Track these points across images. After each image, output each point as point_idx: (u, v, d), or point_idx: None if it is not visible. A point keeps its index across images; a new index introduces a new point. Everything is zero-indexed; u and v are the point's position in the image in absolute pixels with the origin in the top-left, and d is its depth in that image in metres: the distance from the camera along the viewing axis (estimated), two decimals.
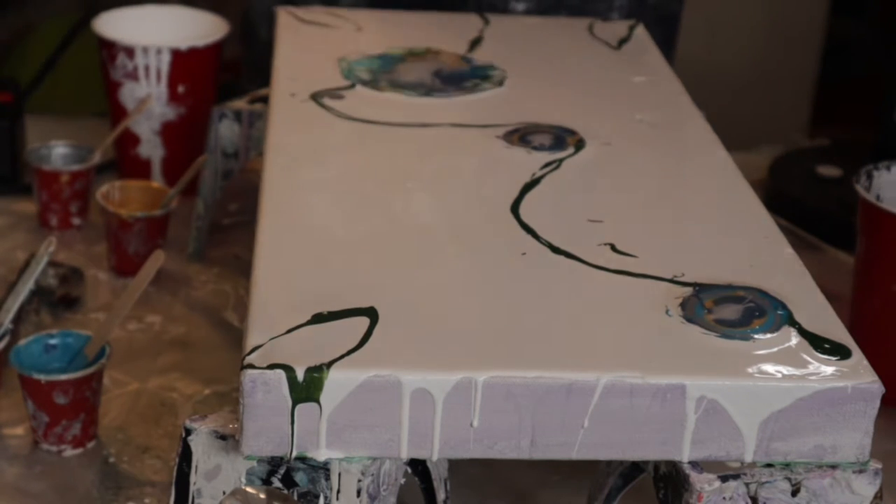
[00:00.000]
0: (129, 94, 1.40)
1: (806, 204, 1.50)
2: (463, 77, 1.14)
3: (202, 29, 1.45)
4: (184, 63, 1.39)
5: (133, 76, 1.39)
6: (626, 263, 0.85)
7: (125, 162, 1.44)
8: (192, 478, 0.77)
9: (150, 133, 1.42)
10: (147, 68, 1.38)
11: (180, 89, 1.40)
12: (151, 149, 1.42)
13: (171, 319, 1.23)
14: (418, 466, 0.89)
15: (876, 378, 0.75)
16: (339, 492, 0.74)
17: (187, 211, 1.35)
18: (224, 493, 0.77)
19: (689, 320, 0.79)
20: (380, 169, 0.96)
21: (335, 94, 1.08)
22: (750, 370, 0.75)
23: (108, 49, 1.40)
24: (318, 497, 0.75)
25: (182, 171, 1.34)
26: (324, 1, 1.50)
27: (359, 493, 0.74)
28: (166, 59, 1.38)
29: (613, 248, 0.87)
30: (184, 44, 1.39)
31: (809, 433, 0.75)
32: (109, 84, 1.41)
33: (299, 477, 0.75)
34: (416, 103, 1.08)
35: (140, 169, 1.43)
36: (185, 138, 1.42)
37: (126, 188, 1.32)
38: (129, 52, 1.38)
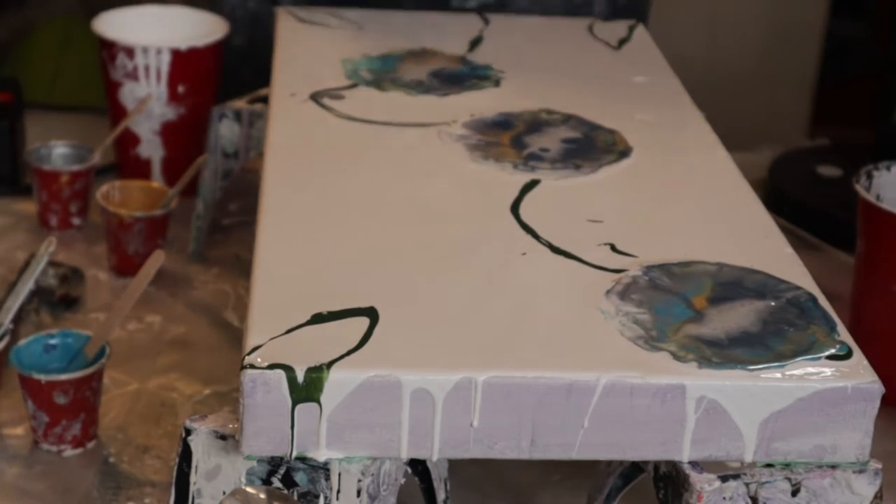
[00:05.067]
0: (129, 94, 1.40)
1: (806, 204, 1.50)
2: (462, 77, 1.14)
3: (202, 29, 1.45)
4: (184, 63, 1.39)
5: (133, 76, 1.39)
6: (625, 263, 0.85)
7: (125, 162, 1.44)
8: (192, 478, 0.77)
9: (150, 133, 1.42)
10: (147, 68, 1.38)
11: (180, 89, 1.40)
12: (151, 149, 1.42)
13: (171, 319, 1.23)
14: (418, 466, 0.89)
15: (876, 378, 0.75)
16: (339, 492, 0.74)
17: (187, 211, 1.35)
18: (224, 493, 0.77)
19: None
20: (379, 169, 0.96)
21: (335, 94, 1.09)
22: (750, 370, 0.75)
23: (108, 49, 1.40)
24: (318, 497, 0.75)
25: (182, 171, 1.34)
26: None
27: (359, 493, 0.74)
28: (166, 59, 1.38)
29: (613, 247, 0.87)
30: (184, 44, 1.39)
31: (809, 433, 0.75)
32: (109, 84, 1.41)
33: (299, 477, 0.75)
34: (415, 103, 1.08)
35: (140, 169, 1.43)
36: (185, 138, 1.42)
37: (126, 188, 1.32)
38: (129, 52, 1.38)
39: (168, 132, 1.41)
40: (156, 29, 1.45)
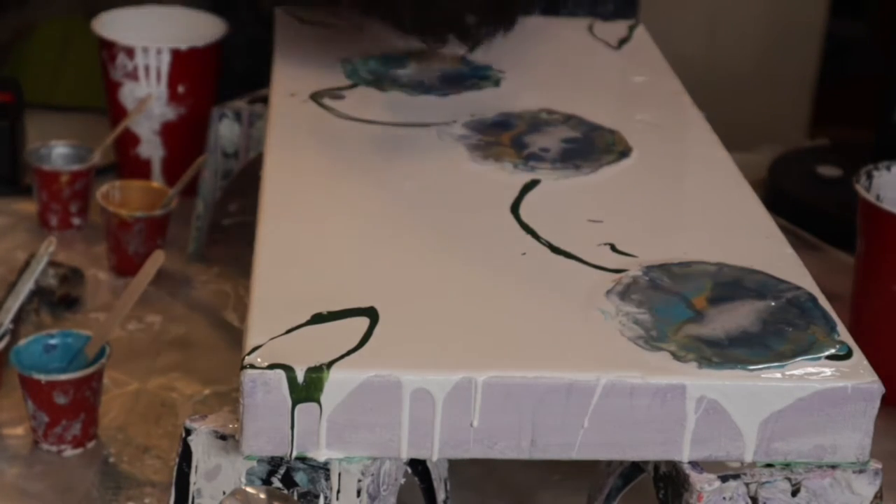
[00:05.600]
0: (129, 94, 1.40)
1: (806, 204, 1.50)
2: (462, 77, 1.14)
3: (202, 29, 1.45)
4: (184, 63, 1.39)
5: (133, 76, 1.39)
6: (626, 263, 0.85)
7: (125, 162, 1.44)
8: (192, 478, 0.77)
9: (150, 133, 1.42)
10: (147, 68, 1.38)
11: (180, 89, 1.40)
12: (151, 149, 1.42)
13: (171, 319, 1.23)
14: (418, 466, 0.89)
15: (876, 378, 0.75)
16: (339, 492, 0.74)
17: (187, 211, 1.35)
18: (224, 493, 0.77)
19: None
20: (379, 169, 0.96)
21: (335, 94, 1.09)
22: (750, 370, 0.75)
23: (108, 49, 1.40)
24: (318, 497, 0.75)
25: (182, 171, 1.34)
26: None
27: (359, 493, 0.74)
28: (166, 59, 1.38)
29: (613, 247, 0.87)
30: (184, 44, 1.39)
31: (809, 433, 0.75)
32: (109, 84, 1.41)
33: (299, 477, 0.75)
34: (415, 103, 1.08)
35: (140, 169, 1.43)
36: (185, 138, 1.42)
37: (126, 188, 1.32)
38: (129, 52, 1.38)
39: (168, 132, 1.41)
40: (156, 29, 1.45)
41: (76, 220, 1.37)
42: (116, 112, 1.42)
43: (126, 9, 1.47)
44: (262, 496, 0.96)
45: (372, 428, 0.74)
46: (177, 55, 1.38)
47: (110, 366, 1.12)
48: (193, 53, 1.39)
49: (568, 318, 0.79)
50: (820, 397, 0.74)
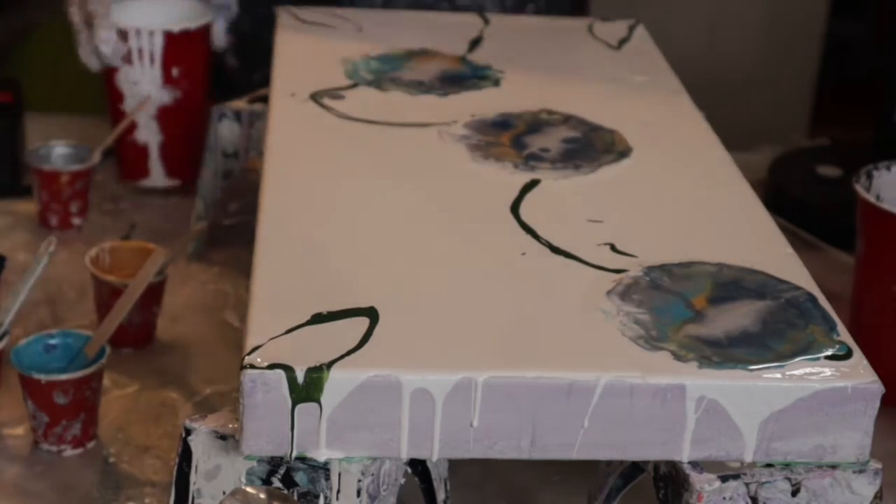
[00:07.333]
0: (125, 78, 1.40)
1: (806, 204, 1.50)
2: (462, 77, 1.14)
3: (196, 17, 1.45)
4: (176, 45, 1.39)
5: (127, 59, 1.39)
6: (626, 263, 0.85)
7: (123, 148, 1.44)
8: (192, 478, 0.77)
9: (146, 118, 1.42)
10: (140, 51, 1.39)
11: (174, 72, 1.40)
12: (149, 134, 1.43)
13: (171, 319, 1.23)
14: (418, 466, 0.89)
15: (876, 378, 0.75)
16: (339, 492, 0.75)
17: (187, 211, 1.35)
18: (224, 493, 0.77)
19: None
20: (379, 169, 0.96)
21: (335, 94, 1.09)
22: (750, 370, 0.75)
23: None
24: (318, 497, 0.75)
25: (179, 156, 1.34)
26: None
27: (359, 493, 0.74)
28: (159, 41, 1.38)
29: (613, 247, 0.87)
30: (176, 26, 1.39)
31: (809, 433, 0.75)
32: (105, 70, 1.42)
33: (299, 477, 0.75)
34: (415, 103, 1.08)
35: (138, 154, 1.43)
36: (181, 122, 1.42)
37: (117, 251, 1.21)
38: (123, 35, 1.38)
39: (164, 116, 1.42)
40: (149, 17, 1.45)
41: (76, 220, 1.37)
42: (114, 97, 1.42)
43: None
44: (262, 496, 0.96)
45: (372, 428, 0.74)
46: (169, 37, 1.39)
47: (110, 366, 1.12)
48: (186, 36, 1.40)
49: (568, 318, 0.79)
50: (820, 397, 0.75)
